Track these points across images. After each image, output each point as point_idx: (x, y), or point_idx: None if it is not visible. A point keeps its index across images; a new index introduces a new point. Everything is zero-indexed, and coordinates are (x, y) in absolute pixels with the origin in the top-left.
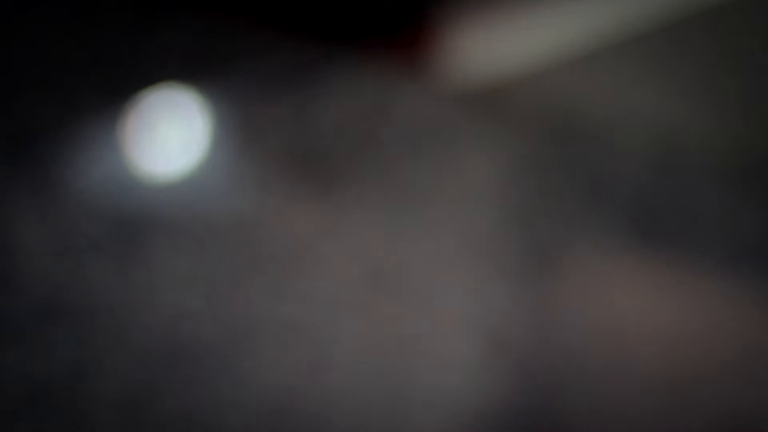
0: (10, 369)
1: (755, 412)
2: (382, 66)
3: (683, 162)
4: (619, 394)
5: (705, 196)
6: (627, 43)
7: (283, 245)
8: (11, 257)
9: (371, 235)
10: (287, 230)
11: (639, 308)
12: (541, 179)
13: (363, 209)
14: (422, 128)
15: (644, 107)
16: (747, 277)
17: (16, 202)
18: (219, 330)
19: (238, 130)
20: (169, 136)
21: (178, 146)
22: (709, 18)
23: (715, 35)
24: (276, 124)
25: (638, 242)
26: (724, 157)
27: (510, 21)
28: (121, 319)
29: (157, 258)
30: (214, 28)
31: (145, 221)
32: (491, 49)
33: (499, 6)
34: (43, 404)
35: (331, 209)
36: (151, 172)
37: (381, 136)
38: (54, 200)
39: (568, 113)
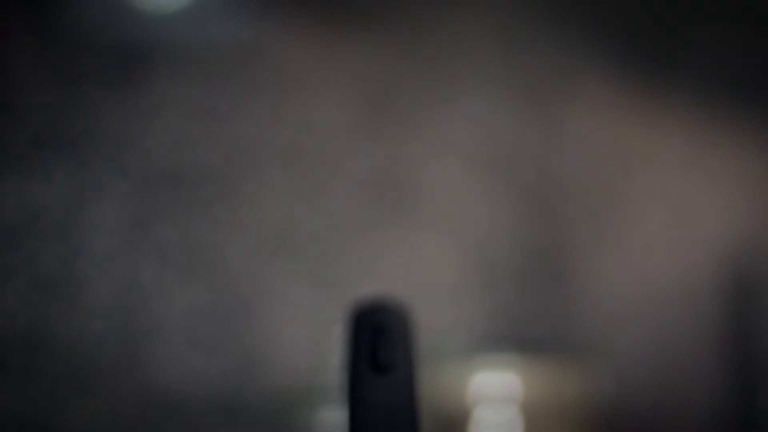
0: (8, 196)
1: (758, 238)
2: None
3: None
4: (621, 216)
5: (707, 25)
6: None
7: (283, 71)
8: (10, 86)
9: (371, 61)
10: (287, 56)
11: (643, 134)
12: (544, 7)
13: (363, 35)
14: None
15: None
16: (752, 106)
17: (14, 32)
18: (219, 155)
19: None
20: None
21: None
22: None
23: None
24: None
25: (642, 72)
26: None
27: None
28: (120, 145)
29: (156, 85)
30: None
31: (144, 49)
32: None
33: None
34: (41, 231)
35: (331, 35)
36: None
37: None
38: (53, 29)
39: None
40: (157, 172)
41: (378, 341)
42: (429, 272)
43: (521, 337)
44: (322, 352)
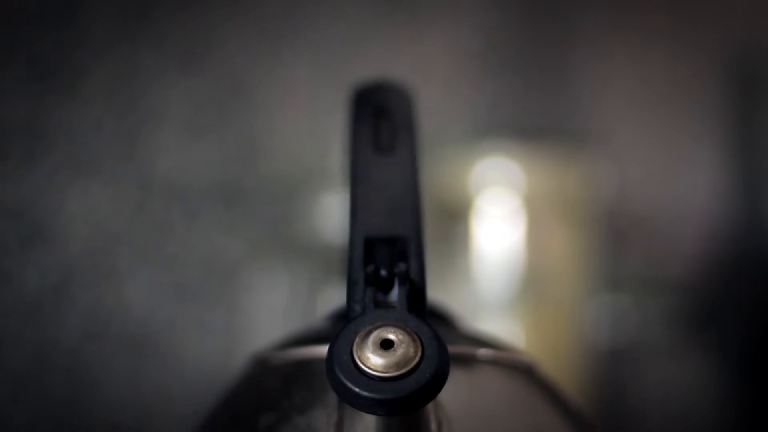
0: None
1: (763, 38)
2: None
3: None
4: (622, 18)
5: None
6: None
7: None
8: None
9: None
10: None
11: None
12: None
13: None
14: None
15: None
16: None
17: None
18: None
19: None
20: None
21: None
22: None
23: None
24: None
25: None
26: None
27: None
28: None
29: None
30: None
31: None
32: None
33: None
34: (39, 19)
35: None
36: None
37: None
38: None
39: None
40: None
41: (379, 121)
42: (431, 60)
43: (523, 125)
44: (323, 138)
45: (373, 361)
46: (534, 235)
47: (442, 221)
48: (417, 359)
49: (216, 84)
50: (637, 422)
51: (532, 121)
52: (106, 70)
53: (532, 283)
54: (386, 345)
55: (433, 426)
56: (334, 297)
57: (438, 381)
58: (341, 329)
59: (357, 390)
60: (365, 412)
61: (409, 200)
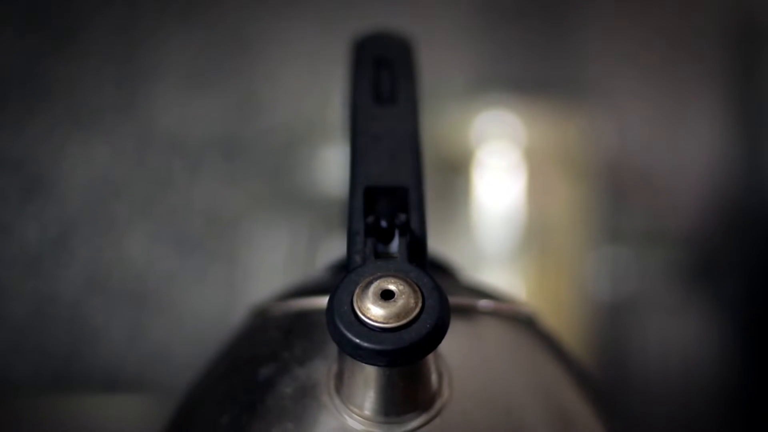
0: None
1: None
2: None
3: None
4: None
5: None
6: None
7: None
8: None
9: None
10: None
11: None
12: None
13: None
14: None
15: None
16: None
17: None
18: None
19: None
20: None
21: None
22: None
23: None
24: None
25: None
26: None
27: None
28: None
29: None
30: None
31: None
32: None
33: None
34: None
35: None
36: None
37: None
38: None
39: None
40: None
41: (380, 71)
42: (432, 12)
43: (524, 79)
44: (323, 91)
45: (374, 311)
46: (534, 188)
47: (443, 173)
48: (417, 310)
49: (216, 36)
50: (637, 374)
51: (533, 75)
52: (106, 24)
53: (533, 235)
54: (386, 296)
55: (434, 377)
56: (334, 248)
57: (438, 332)
58: (341, 280)
59: (357, 341)
60: (365, 362)
61: (410, 150)
